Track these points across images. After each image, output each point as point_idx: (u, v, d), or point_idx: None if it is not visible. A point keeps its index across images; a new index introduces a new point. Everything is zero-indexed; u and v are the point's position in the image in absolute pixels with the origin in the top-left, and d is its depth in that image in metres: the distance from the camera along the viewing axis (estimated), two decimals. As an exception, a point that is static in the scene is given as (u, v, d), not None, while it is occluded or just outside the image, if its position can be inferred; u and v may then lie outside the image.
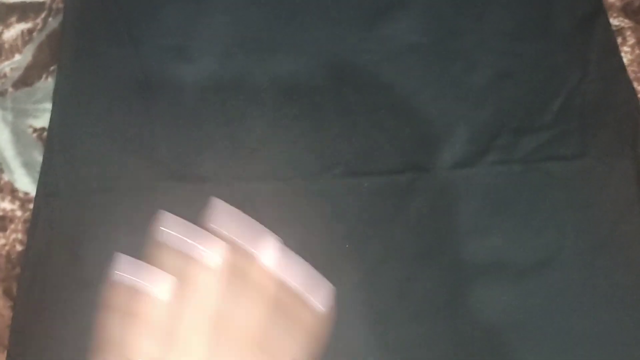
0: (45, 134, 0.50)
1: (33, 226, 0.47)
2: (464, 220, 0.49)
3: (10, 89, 0.51)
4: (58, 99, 0.49)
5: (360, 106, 0.51)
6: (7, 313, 0.48)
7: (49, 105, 0.50)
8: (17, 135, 0.50)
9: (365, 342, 0.46)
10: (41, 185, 0.48)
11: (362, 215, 0.49)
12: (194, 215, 0.47)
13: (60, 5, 0.52)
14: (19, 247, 0.49)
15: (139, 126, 0.49)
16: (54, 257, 0.46)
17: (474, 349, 0.46)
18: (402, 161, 0.50)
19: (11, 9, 0.52)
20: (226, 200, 0.48)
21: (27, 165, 0.50)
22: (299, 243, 0.48)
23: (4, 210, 0.49)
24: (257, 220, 0.48)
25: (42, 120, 0.50)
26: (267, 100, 0.51)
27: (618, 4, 0.56)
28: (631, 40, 0.55)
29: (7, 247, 0.49)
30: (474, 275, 0.48)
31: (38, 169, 0.49)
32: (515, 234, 0.49)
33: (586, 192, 0.50)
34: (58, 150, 0.48)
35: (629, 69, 0.53)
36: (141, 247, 0.46)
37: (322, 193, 0.49)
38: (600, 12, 0.55)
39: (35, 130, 0.51)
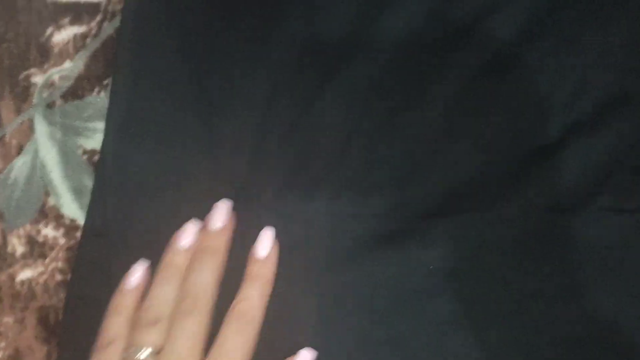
0: (95, 157, 0.45)
1: (77, 270, 0.43)
2: (560, 277, 0.42)
3: (58, 101, 0.46)
4: (110, 123, 0.43)
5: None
6: (39, 346, 0.45)
7: (100, 125, 0.45)
8: (66, 155, 0.45)
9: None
10: (89, 223, 0.43)
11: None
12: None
13: (117, 7, 0.46)
14: (58, 277, 0.45)
15: (199, 158, 0.44)
16: (100, 303, 0.42)
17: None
18: (489, 199, 0.43)
19: (64, 9, 0.46)
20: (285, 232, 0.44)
21: (75, 190, 0.45)
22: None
23: (45, 237, 0.45)
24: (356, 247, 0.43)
25: (93, 141, 0.45)
26: (335, 125, 0.45)
27: None
28: None
29: (45, 276, 0.45)
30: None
31: (88, 194, 0.44)
32: (623, 296, 0.41)
33: None
34: (109, 183, 0.43)
35: None
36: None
37: (397, 235, 0.44)
38: None
39: (85, 152, 0.46)
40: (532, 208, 0.43)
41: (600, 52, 0.44)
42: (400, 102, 0.45)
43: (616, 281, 0.42)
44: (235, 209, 0.43)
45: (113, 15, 0.46)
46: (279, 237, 0.43)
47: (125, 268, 0.41)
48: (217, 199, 0.43)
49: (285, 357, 0.41)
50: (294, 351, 0.42)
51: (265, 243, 0.42)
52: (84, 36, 0.46)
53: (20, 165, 0.45)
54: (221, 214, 0.42)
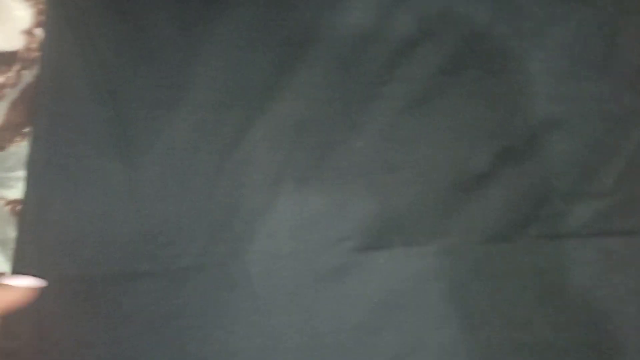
0: (19, 207, 0.45)
1: (4, 322, 0.42)
2: (501, 307, 0.41)
3: (-21, 153, 0.46)
4: (31, 171, 0.43)
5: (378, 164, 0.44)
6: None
7: (22, 173, 0.44)
8: (-11, 208, 0.45)
9: None
10: (14, 272, 0.43)
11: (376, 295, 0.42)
12: (171, 309, 0.42)
13: (35, 55, 0.46)
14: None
15: (122, 202, 0.43)
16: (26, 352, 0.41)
17: None
18: (426, 231, 0.43)
19: (-17, 60, 0.46)
20: (212, 285, 0.42)
21: (1, 242, 0.44)
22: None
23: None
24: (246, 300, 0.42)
25: (16, 191, 0.45)
26: (265, 163, 0.44)
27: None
28: None
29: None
30: None
31: (12, 246, 0.44)
32: (564, 325, 0.41)
33: (655, 274, 0.41)
34: (32, 231, 0.42)
35: None
36: (123, 340, 0.42)
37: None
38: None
39: (8, 202, 0.45)
40: (468, 239, 0.42)
41: (527, 79, 0.44)
42: (330, 135, 0.44)
43: (553, 307, 0.41)
44: (163, 260, 0.42)
45: (32, 63, 0.46)
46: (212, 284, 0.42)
47: (50, 318, 0.41)
48: (141, 247, 0.42)
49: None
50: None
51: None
52: (2, 86, 0.46)
53: (-54, 222, 0.45)
54: None
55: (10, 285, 0.39)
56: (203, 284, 0.42)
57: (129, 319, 0.41)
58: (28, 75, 0.46)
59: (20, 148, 0.45)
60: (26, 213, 0.43)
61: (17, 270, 0.43)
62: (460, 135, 0.44)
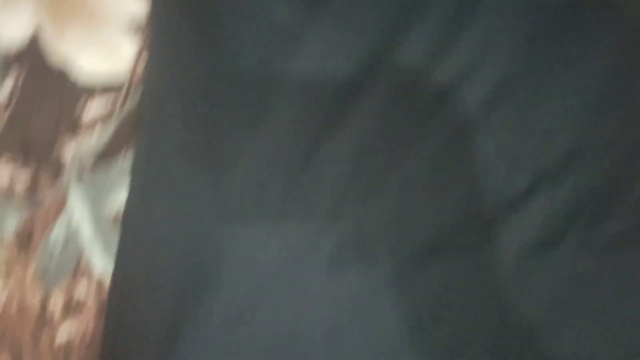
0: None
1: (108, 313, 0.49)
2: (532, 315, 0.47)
3: (88, 170, 0.53)
4: (133, 183, 0.50)
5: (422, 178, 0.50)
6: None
7: (123, 188, 0.51)
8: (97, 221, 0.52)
9: None
10: (114, 272, 0.50)
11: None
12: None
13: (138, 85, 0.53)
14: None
15: (207, 216, 0.49)
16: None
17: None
18: (470, 243, 0.49)
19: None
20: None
21: (107, 249, 0.52)
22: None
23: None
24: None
25: (118, 202, 0.52)
26: (330, 181, 0.50)
27: None
28: None
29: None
30: None
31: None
32: (590, 332, 0.47)
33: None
34: (131, 238, 0.50)
35: None
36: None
37: None
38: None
39: (112, 211, 0.52)
40: (502, 255, 0.48)
41: (560, 114, 0.50)
42: (383, 163, 0.51)
43: (582, 314, 0.47)
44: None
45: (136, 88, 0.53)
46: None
47: (147, 310, 0.47)
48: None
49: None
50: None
51: None
52: (109, 114, 0.53)
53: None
54: None
55: None
56: None
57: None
58: (130, 103, 0.53)
59: (123, 165, 0.53)
60: (126, 218, 0.50)
61: (119, 264, 0.50)
62: (500, 159, 0.50)
